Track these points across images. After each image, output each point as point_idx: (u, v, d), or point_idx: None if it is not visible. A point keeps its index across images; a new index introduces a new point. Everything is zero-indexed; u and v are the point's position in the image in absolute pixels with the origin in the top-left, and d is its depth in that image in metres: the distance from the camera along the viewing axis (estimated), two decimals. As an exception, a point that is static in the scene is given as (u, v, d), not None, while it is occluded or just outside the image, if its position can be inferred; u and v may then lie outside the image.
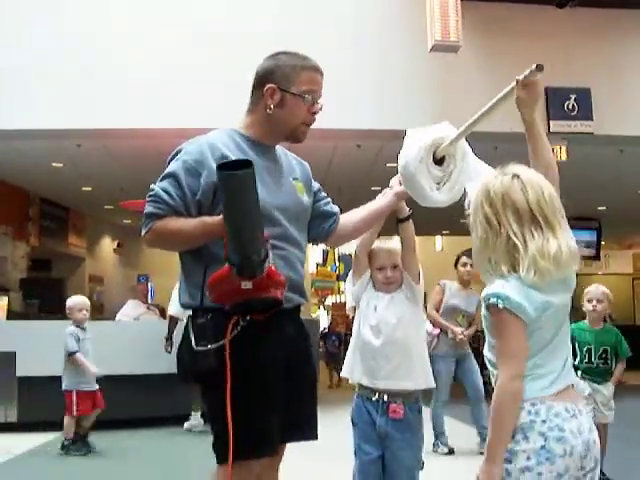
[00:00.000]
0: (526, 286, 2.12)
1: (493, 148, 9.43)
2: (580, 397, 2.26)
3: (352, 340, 3.58)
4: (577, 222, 16.34)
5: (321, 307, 27.52)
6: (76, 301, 7.07)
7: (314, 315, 24.65)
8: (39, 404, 7.55)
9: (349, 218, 3.20)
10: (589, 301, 5.99)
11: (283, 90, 2.84)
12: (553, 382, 2.15)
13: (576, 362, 5.40)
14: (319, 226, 3.15)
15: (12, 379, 7.70)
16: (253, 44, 8.65)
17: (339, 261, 26.03)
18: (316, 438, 3.00)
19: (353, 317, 3.74)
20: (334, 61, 8.93)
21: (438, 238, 21.94)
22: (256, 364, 2.68)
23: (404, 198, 3.17)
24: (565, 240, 2.14)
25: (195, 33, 8.83)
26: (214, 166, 2.67)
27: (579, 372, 5.44)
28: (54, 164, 11.09)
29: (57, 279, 14.96)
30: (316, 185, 3.22)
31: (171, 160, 2.83)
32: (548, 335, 2.16)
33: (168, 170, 2.78)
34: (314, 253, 26.36)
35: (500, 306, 2.11)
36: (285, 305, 2.68)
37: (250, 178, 2.37)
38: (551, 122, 9.24)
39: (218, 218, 2.58)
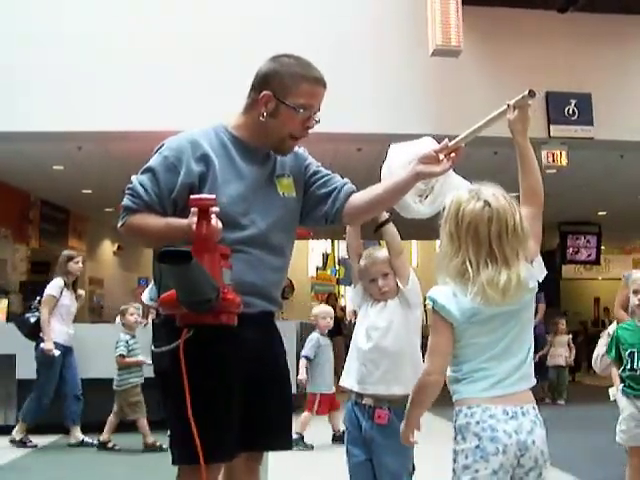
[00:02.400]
0: (459, 293, 2.29)
1: (493, 153, 9.45)
2: (529, 397, 2.34)
3: (350, 346, 3.60)
4: (577, 227, 16.38)
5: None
6: (321, 309, 7.90)
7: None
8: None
9: (362, 196, 2.96)
10: (635, 293, 4.61)
11: (278, 100, 2.74)
12: (493, 386, 2.28)
13: (620, 370, 4.63)
14: (323, 211, 2.97)
15: (12, 381, 7.69)
16: (254, 48, 8.67)
17: (339, 265, 25.99)
18: (289, 448, 2.92)
19: (352, 321, 3.74)
20: (335, 64, 8.95)
21: (438, 243, 21.96)
22: (208, 367, 2.62)
23: (423, 178, 2.84)
24: (517, 273, 2.28)
25: (198, 34, 8.84)
26: (193, 165, 2.68)
27: (622, 384, 4.60)
28: (55, 167, 11.09)
29: (57, 282, 14.94)
30: (311, 169, 3.02)
31: (155, 153, 2.79)
32: (484, 340, 2.30)
33: (149, 164, 2.75)
34: (314, 257, 26.35)
35: (430, 307, 2.34)
36: (247, 310, 2.59)
37: (193, 268, 2.32)
38: (551, 127, 9.25)
39: (183, 223, 2.54)
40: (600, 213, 15.27)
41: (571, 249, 16.60)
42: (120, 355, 7.00)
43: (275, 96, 2.74)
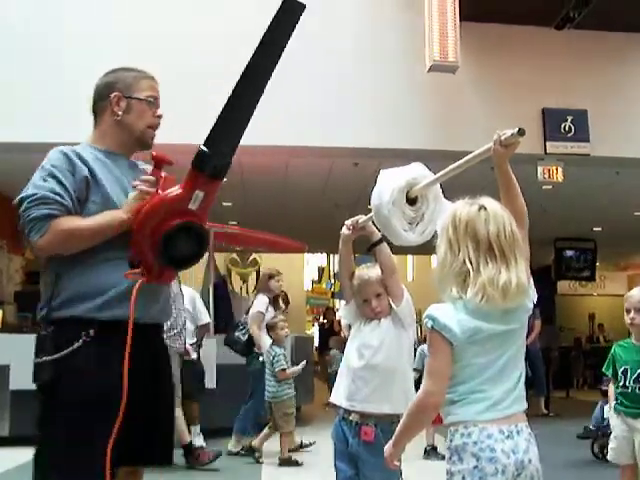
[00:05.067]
0: (460, 311, 2.27)
1: (490, 168, 9.46)
2: (522, 417, 2.33)
3: (341, 363, 3.60)
4: (573, 243, 16.40)
5: (315, 324, 27.50)
6: None
7: (309, 332, 24.62)
8: (32, 418, 7.50)
9: None
10: (627, 311, 4.61)
11: (128, 97, 2.95)
12: (489, 408, 2.26)
13: (614, 387, 4.66)
14: None
15: (5, 392, 7.67)
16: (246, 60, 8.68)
17: (334, 278, 26.03)
18: (170, 462, 2.92)
19: (346, 336, 3.73)
20: (333, 80, 8.99)
21: (434, 257, 21.96)
22: (93, 384, 2.60)
23: None
24: (516, 275, 2.27)
25: (196, 50, 8.85)
26: (80, 165, 2.77)
27: (615, 402, 4.60)
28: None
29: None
30: None
31: (39, 170, 2.83)
32: (482, 360, 2.28)
33: (44, 173, 2.77)
34: (309, 270, 26.37)
35: (429, 326, 2.28)
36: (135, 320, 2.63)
37: (299, 17, 2.60)
38: (547, 143, 9.27)
39: (125, 206, 2.69)
40: (596, 229, 15.28)
41: (566, 265, 16.61)
42: (282, 369, 7.16)
43: (124, 95, 2.95)
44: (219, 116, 2.62)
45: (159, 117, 3.05)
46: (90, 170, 2.79)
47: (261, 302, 7.86)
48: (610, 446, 4.57)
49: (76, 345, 2.58)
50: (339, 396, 3.48)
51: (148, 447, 2.78)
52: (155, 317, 2.87)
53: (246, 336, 7.80)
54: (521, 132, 2.37)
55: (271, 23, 2.59)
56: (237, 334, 7.92)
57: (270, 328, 7.39)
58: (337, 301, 24.67)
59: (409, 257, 25.43)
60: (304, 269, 25.52)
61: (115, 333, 2.62)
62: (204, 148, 2.60)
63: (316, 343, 16.42)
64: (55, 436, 2.62)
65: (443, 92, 9.11)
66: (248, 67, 2.60)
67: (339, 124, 8.59)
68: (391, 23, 9.30)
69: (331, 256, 25.14)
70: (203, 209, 2.65)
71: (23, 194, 2.79)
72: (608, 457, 4.60)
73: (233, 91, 2.59)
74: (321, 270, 27.41)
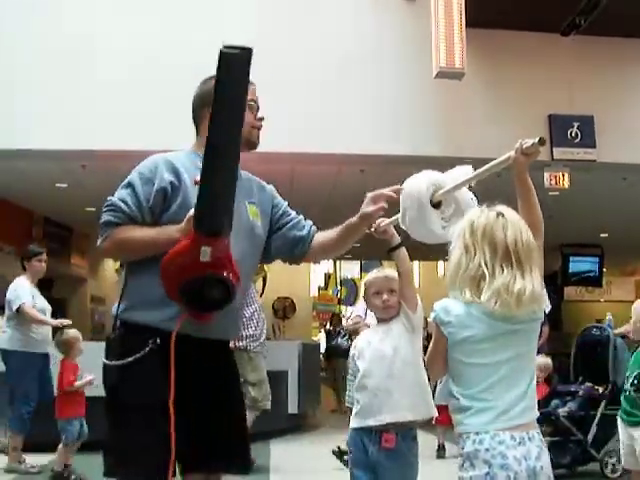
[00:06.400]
0: (468, 308, 2.32)
1: (496, 175, 9.46)
2: (534, 423, 2.34)
3: (357, 378, 3.59)
4: (580, 249, 16.36)
5: (322, 330, 27.43)
6: None
7: (315, 339, 24.57)
8: (39, 425, 7.51)
9: (321, 239, 3.18)
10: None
11: None
12: (494, 420, 2.27)
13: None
14: (291, 251, 3.15)
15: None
16: (257, 70, 8.69)
17: (341, 285, 26.02)
18: (246, 471, 2.96)
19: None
20: (338, 86, 8.99)
21: (440, 264, 21.94)
22: (154, 391, 2.63)
23: (372, 220, 3.10)
24: (531, 283, 2.29)
25: (200, 54, 8.85)
26: (165, 175, 2.79)
27: (620, 409, 4.54)
28: (58, 185, 11.12)
29: (59, 299, 14.94)
30: (281, 208, 3.20)
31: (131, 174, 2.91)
32: (485, 360, 2.30)
33: (124, 182, 2.88)
34: (315, 277, 26.33)
35: (431, 318, 2.42)
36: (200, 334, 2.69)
37: (247, 65, 2.47)
38: (554, 149, 9.27)
39: (180, 226, 2.62)
40: (602, 235, 15.26)
41: (573, 271, 16.57)
42: None
43: None
44: (199, 191, 2.49)
45: (261, 119, 3.07)
46: (178, 178, 2.82)
47: (360, 308, 8.16)
48: (621, 451, 4.56)
49: (141, 353, 2.64)
50: (362, 414, 3.46)
51: (221, 456, 2.81)
52: (221, 333, 2.87)
53: (349, 342, 7.99)
54: (542, 141, 2.40)
55: (215, 85, 2.47)
56: (340, 341, 8.35)
57: (352, 333, 7.49)
58: (344, 307, 24.65)
59: (415, 263, 25.39)
60: (310, 275, 25.49)
61: (179, 344, 2.63)
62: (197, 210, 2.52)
63: (322, 349, 16.38)
64: (117, 437, 2.70)
65: (449, 99, 9.12)
66: (208, 140, 2.48)
67: (345, 131, 8.59)
68: (396, 29, 9.31)
69: (337, 263, 25.14)
70: (218, 256, 2.53)
71: (109, 197, 2.89)
72: (622, 462, 4.59)
73: (203, 167, 2.47)
74: (327, 277, 27.36)
